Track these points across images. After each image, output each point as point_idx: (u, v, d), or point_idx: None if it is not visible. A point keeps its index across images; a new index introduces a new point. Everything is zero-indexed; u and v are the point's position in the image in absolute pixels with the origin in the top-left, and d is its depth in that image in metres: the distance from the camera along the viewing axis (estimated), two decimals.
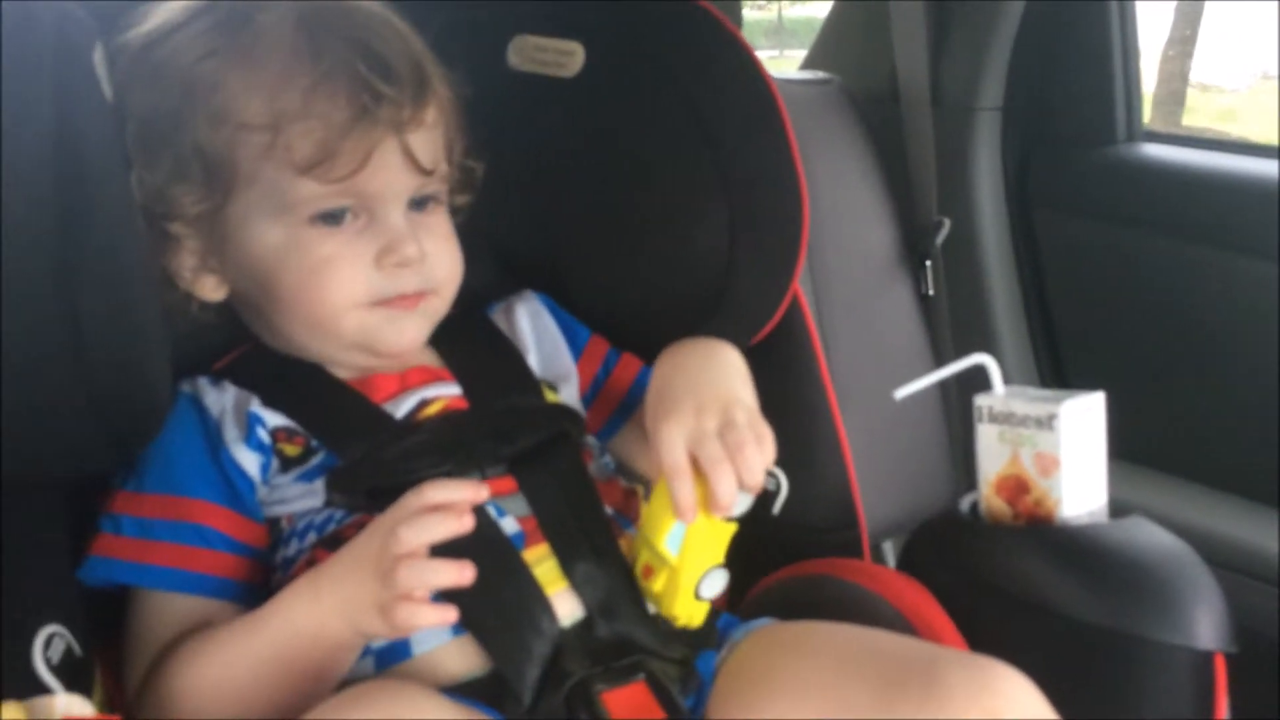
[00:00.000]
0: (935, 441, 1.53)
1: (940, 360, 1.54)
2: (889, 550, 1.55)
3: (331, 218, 0.83)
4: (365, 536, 0.74)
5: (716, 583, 0.80)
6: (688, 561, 0.78)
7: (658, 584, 0.80)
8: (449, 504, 0.72)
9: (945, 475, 1.55)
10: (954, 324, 1.52)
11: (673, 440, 0.78)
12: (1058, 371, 1.50)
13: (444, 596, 0.72)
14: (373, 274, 0.84)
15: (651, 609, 0.82)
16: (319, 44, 0.81)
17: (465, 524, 0.72)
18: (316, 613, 0.74)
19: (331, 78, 0.80)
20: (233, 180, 0.82)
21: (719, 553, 0.80)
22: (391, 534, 0.71)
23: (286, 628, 0.75)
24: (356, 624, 0.73)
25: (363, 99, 0.80)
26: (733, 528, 0.80)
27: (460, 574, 0.71)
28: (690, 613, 0.80)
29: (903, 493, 1.42)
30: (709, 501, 0.77)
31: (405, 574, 0.70)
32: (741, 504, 0.78)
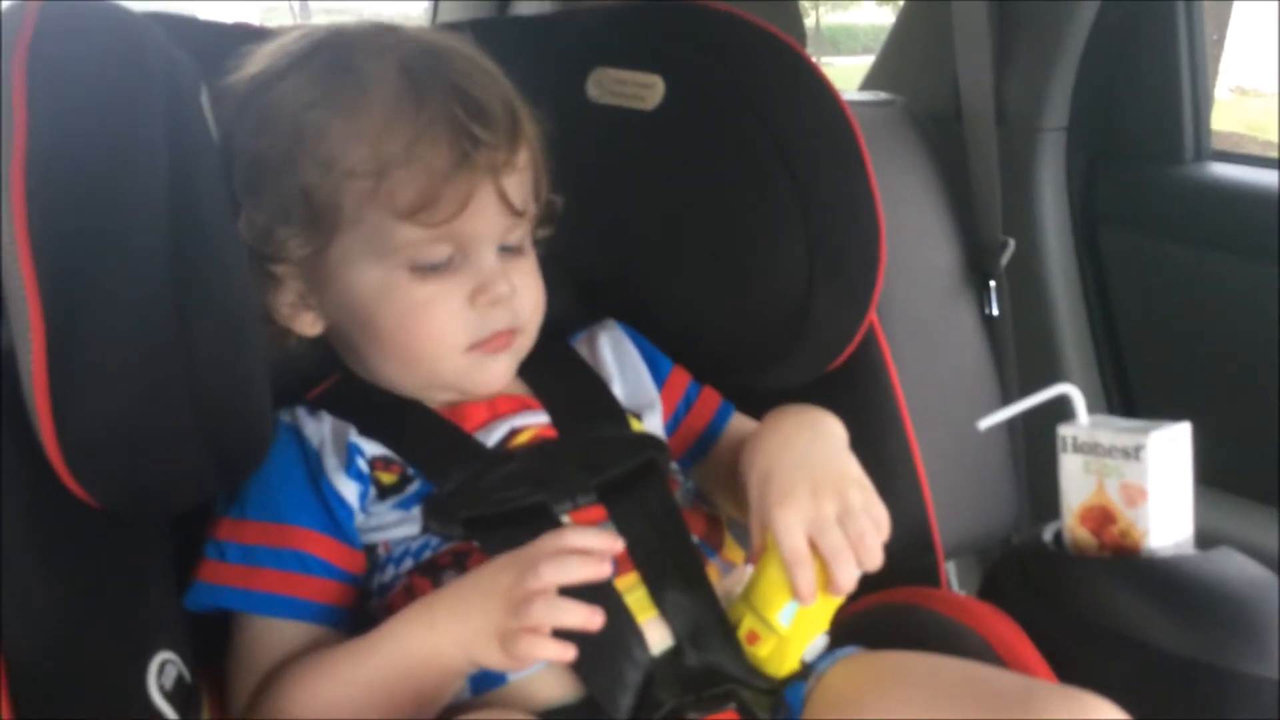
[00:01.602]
0: (999, 464, 1.53)
1: (1006, 382, 1.54)
2: (952, 571, 1.56)
3: (430, 270, 0.85)
4: (493, 570, 0.76)
5: (818, 646, 0.83)
6: (798, 634, 0.81)
7: (763, 649, 0.81)
8: (588, 550, 0.74)
9: (1009, 499, 1.55)
10: (1020, 345, 1.51)
11: (791, 527, 0.79)
12: (1125, 394, 1.50)
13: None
14: (468, 314, 0.86)
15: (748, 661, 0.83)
16: (421, 92, 0.82)
17: (604, 570, 0.74)
18: (430, 639, 0.76)
19: (434, 125, 0.82)
20: (336, 224, 0.84)
21: (826, 623, 0.82)
22: (531, 569, 0.73)
23: (398, 653, 0.77)
24: (472, 653, 0.75)
25: (463, 145, 0.82)
26: (841, 600, 0.82)
27: (590, 618, 0.73)
28: (788, 672, 0.82)
29: (967, 516, 1.42)
30: (827, 584, 0.79)
31: (540, 608, 0.72)
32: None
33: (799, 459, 0.84)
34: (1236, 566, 0.84)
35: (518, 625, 0.73)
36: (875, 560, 0.80)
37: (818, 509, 0.80)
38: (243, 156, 0.83)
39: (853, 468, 0.85)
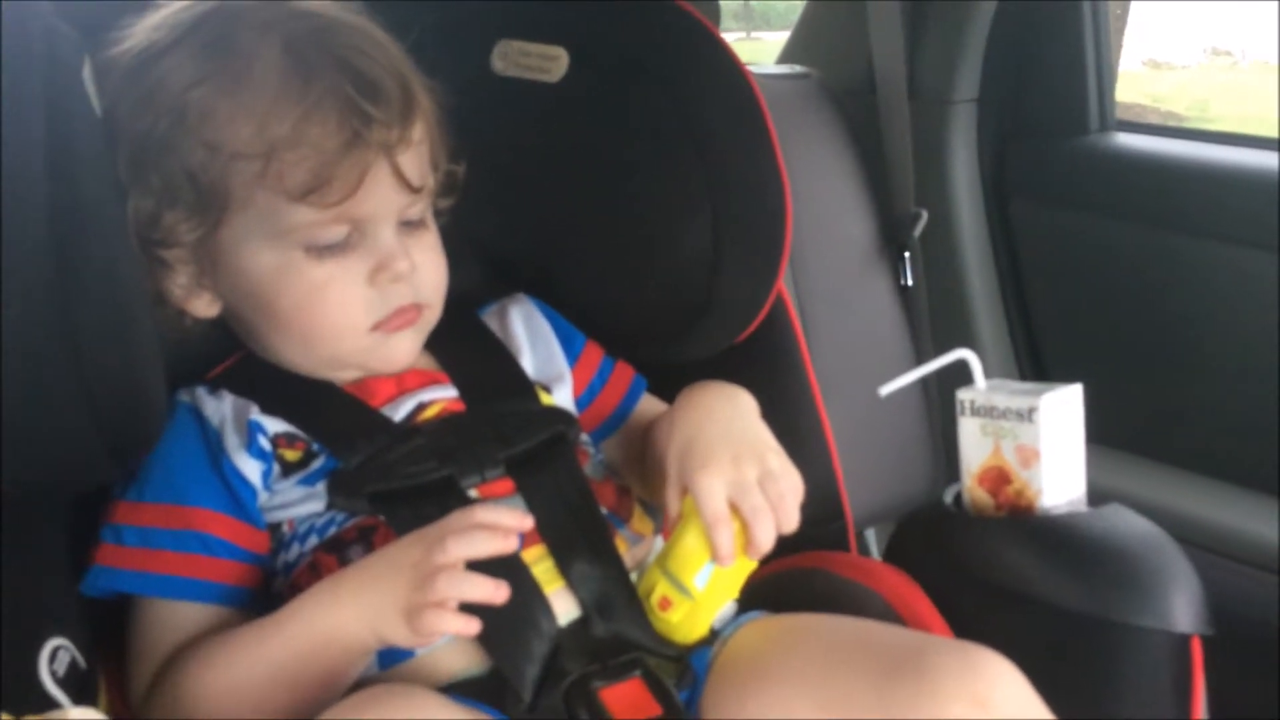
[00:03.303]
0: (915, 431, 1.56)
1: (920, 350, 1.56)
2: (872, 538, 1.58)
3: (327, 249, 0.84)
4: (400, 546, 0.76)
5: (727, 613, 0.84)
6: (711, 598, 0.82)
7: (676, 615, 0.82)
8: (496, 525, 0.74)
9: (926, 464, 1.57)
10: (933, 314, 1.54)
11: (714, 489, 0.80)
12: (1036, 359, 1.53)
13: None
14: (368, 292, 0.86)
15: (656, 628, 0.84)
16: (308, 69, 0.81)
17: (510, 545, 0.74)
18: (336, 616, 0.76)
19: (322, 105, 0.80)
20: (225, 206, 0.82)
21: (738, 588, 0.84)
22: (439, 544, 0.73)
23: (304, 631, 0.77)
24: (378, 629, 0.75)
25: (353, 124, 0.81)
26: (754, 565, 0.83)
27: (496, 591, 0.73)
28: (697, 639, 0.83)
29: (884, 482, 1.45)
30: (745, 546, 0.81)
31: (445, 582, 0.72)
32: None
33: (721, 429, 0.85)
34: (1126, 522, 0.87)
35: (422, 600, 0.73)
36: (792, 522, 0.81)
37: (739, 473, 0.81)
38: (126, 136, 0.82)
39: (770, 438, 0.87)
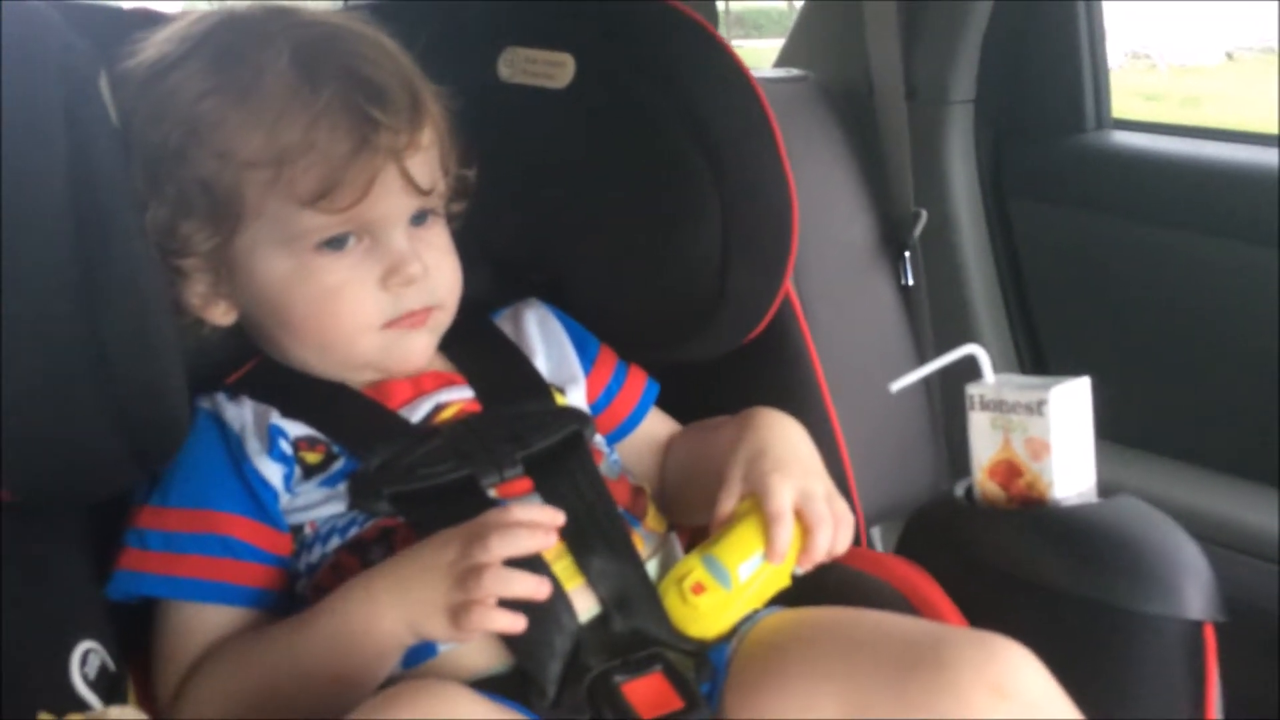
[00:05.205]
0: (918, 429, 1.57)
1: (922, 348, 1.58)
2: (877, 536, 1.60)
3: (336, 243, 0.85)
4: (435, 545, 0.77)
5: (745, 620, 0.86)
6: (744, 594, 0.83)
7: (706, 602, 0.83)
8: (533, 523, 0.76)
9: (929, 460, 1.59)
10: (934, 313, 1.55)
11: (784, 490, 0.83)
12: (1037, 356, 1.54)
13: None
14: (380, 295, 0.87)
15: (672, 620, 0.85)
16: (315, 77, 0.82)
17: (550, 542, 0.76)
18: (371, 614, 0.76)
19: (330, 111, 0.82)
20: (239, 214, 0.84)
21: (767, 598, 0.86)
22: (479, 542, 0.74)
23: (338, 629, 0.77)
24: (416, 626, 0.76)
25: (362, 130, 0.82)
26: (787, 582, 0.86)
27: (539, 587, 0.75)
28: (716, 636, 0.85)
29: (889, 479, 1.46)
30: (800, 551, 0.84)
31: (490, 580, 0.73)
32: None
33: (792, 447, 0.90)
34: (1137, 512, 0.88)
35: (466, 598, 0.74)
36: (845, 543, 0.85)
37: (808, 484, 0.85)
38: (141, 148, 0.83)
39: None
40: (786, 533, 0.82)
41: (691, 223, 1.00)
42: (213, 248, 0.85)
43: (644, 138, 1.01)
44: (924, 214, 1.51)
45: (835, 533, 0.84)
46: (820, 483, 0.86)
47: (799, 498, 0.83)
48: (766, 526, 0.82)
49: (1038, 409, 0.88)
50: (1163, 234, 1.39)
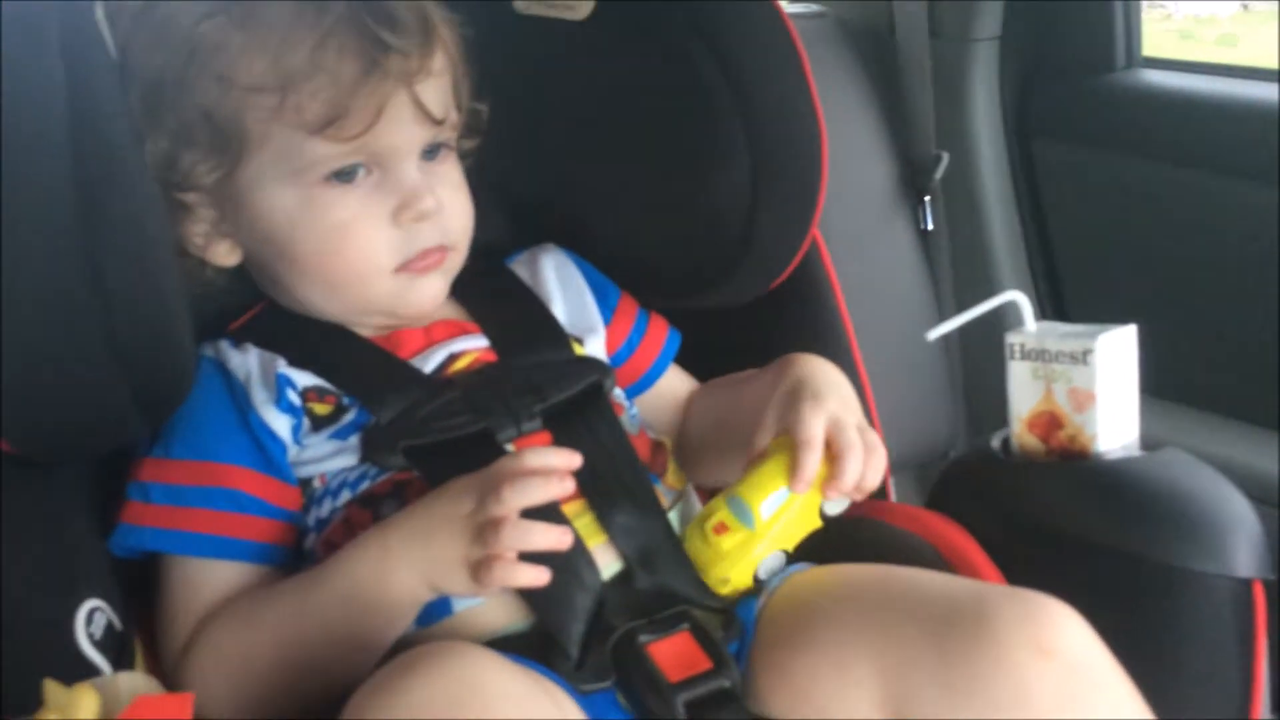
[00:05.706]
0: (936, 379, 1.54)
1: (941, 295, 1.54)
2: (891, 486, 1.57)
3: (345, 175, 0.81)
4: (450, 496, 0.73)
5: (774, 567, 0.82)
6: (769, 532, 0.80)
7: (728, 542, 0.80)
8: (547, 469, 0.72)
9: (946, 413, 1.56)
10: (954, 258, 1.51)
11: (815, 419, 0.80)
12: (1058, 302, 1.50)
13: None
14: (391, 232, 0.83)
15: (695, 564, 0.82)
16: None
17: (567, 487, 0.72)
18: (386, 570, 0.73)
19: (337, 33, 0.78)
20: (243, 144, 0.80)
21: (794, 541, 0.82)
22: (493, 494, 0.70)
23: (352, 584, 0.74)
24: (435, 581, 0.73)
25: (371, 53, 0.78)
26: (816, 524, 0.82)
27: (561, 538, 0.71)
28: (739, 581, 0.81)
29: (906, 430, 1.43)
30: (828, 482, 0.80)
31: (509, 534, 0.70)
32: (839, 505, 0.82)
33: (830, 383, 0.86)
34: (1184, 466, 0.85)
35: (485, 552, 0.70)
36: (877, 476, 0.81)
37: (842, 415, 0.82)
38: (140, 77, 0.79)
39: None
40: (813, 458, 0.79)
41: (718, 160, 0.96)
42: (216, 180, 0.81)
43: (669, 73, 0.96)
44: (945, 156, 1.46)
45: (867, 462, 0.80)
46: (854, 415, 0.83)
47: (830, 426, 0.80)
48: (794, 454, 0.79)
49: (1083, 358, 0.85)
50: (1196, 177, 1.34)
